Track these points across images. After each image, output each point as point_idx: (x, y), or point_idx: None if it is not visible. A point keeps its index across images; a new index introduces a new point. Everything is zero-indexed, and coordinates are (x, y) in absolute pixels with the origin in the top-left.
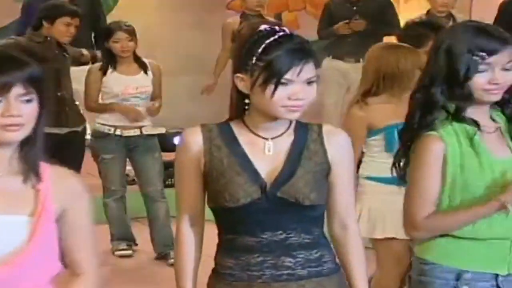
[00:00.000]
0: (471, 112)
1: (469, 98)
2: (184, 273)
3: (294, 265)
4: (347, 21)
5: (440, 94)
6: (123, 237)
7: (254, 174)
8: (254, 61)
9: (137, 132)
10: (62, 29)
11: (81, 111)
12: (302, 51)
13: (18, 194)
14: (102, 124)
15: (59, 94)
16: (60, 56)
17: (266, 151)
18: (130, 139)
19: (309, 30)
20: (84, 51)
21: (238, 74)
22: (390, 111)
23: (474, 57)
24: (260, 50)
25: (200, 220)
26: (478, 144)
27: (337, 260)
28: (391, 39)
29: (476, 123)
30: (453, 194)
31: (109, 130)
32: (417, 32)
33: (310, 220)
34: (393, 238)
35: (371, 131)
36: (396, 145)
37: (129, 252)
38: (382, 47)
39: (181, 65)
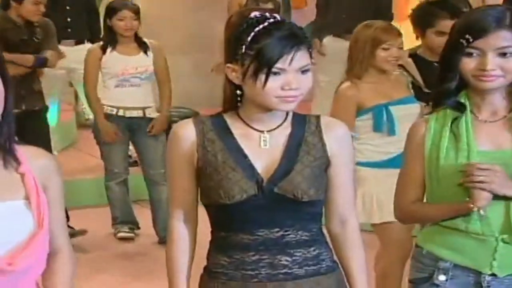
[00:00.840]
0: (476, 98)
1: (456, 82)
2: (177, 271)
3: (291, 263)
4: None
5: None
6: (126, 220)
7: (250, 169)
8: (243, 50)
9: (140, 113)
10: (31, 8)
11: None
12: (294, 38)
13: (5, 180)
14: (104, 105)
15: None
16: (30, 41)
17: (262, 145)
18: (133, 120)
19: None
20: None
21: (229, 65)
22: (378, 90)
23: (461, 40)
24: (249, 38)
25: (193, 216)
26: (462, 131)
27: (335, 258)
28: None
29: (463, 107)
30: (431, 179)
31: (112, 110)
32: (429, 11)
33: (308, 217)
34: (392, 222)
35: (359, 111)
36: (384, 125)
37: (131, 234)
38: (358, 28)
39: (184, 44)
